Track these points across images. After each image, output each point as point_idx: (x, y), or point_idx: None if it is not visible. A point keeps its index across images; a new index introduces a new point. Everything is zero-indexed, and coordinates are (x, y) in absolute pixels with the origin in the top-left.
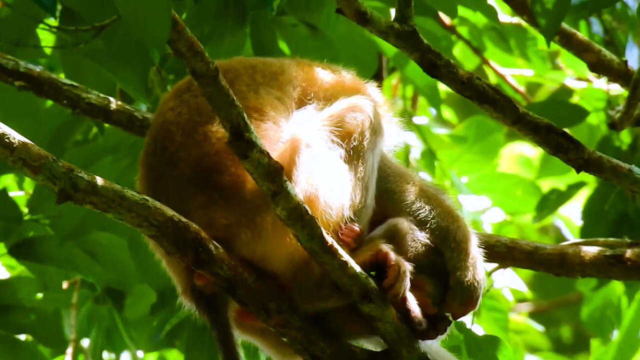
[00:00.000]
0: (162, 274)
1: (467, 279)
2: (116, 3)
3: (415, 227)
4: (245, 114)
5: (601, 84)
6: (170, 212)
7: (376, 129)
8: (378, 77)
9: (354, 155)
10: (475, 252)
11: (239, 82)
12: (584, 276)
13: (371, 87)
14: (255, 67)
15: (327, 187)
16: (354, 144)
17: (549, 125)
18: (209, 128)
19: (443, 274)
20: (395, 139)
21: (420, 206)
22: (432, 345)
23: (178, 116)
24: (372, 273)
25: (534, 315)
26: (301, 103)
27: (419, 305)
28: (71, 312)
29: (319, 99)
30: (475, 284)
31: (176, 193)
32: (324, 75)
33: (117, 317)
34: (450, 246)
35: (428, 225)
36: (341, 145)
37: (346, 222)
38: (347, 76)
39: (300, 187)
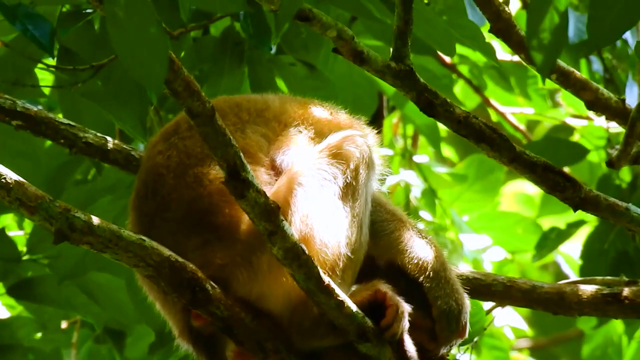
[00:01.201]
0: (160, 313)
1: (449, 305)
2: (113, 44)
3: None
4: (241, 154)
5: (602, 122)
6: (167, 252)
7: (369, 163)
8: (378, 116)
9: (349, 192)
10: (454, 278)
11: (225, 122)
12: (582, 314)
13: (360, 122)
14: (240, 105)
15: (323, 225)
16: (348, 180)
17: (545, 164)
18: (199, 170)
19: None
20: (382, 170)
21: (398, 235)
22: None
23: (167, 159)
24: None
25: (533, 351)
26: (290, 138)
27: (417, 341)
28: (71, 352)
29: (308, 133)
30: (460, 309)
31: (170, 236)
32: (313, 110)
33: (118, 357)
34: (429, 276)
35: (406, 254)
36: (335, 182)
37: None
38: (335, 111)
39: (295, 227)
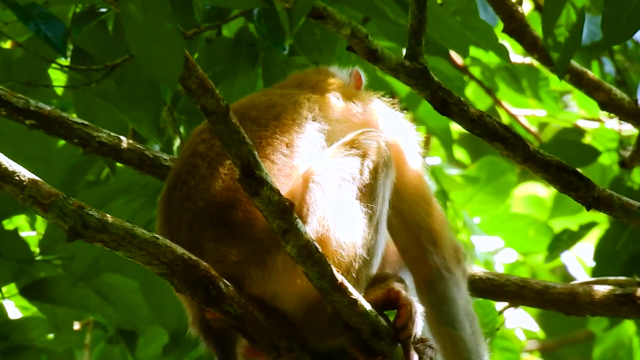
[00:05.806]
0: (174, 315)
1: None
2: (127, 41)
3: None
4: (256, 152)
5: (613, 124)
6: (180, 250)
7: (387, 162)
8: None
9: (366, 192)
10: None
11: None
12: (594, 315)
13: (379, 102)
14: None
15: (339, 226)
16: (367, 180)
17: (559, 163)
18: None
19: None
20: None
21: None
22: None
23: (209, 148)
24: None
25: (542, 352)
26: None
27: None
28: (84, 353)
29: (326, 123)
30: None
31: (187, 225)
32: (333, 100)
33: (130, 358)
34: None
35: None
36: (353, 182)
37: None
38: (355, 108)
39: (312, 227)
